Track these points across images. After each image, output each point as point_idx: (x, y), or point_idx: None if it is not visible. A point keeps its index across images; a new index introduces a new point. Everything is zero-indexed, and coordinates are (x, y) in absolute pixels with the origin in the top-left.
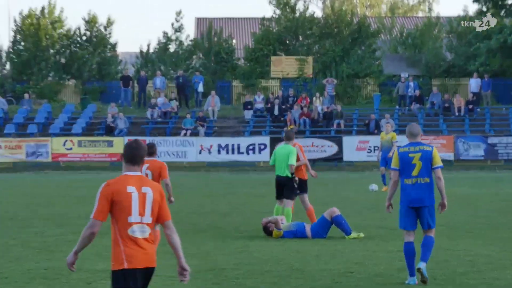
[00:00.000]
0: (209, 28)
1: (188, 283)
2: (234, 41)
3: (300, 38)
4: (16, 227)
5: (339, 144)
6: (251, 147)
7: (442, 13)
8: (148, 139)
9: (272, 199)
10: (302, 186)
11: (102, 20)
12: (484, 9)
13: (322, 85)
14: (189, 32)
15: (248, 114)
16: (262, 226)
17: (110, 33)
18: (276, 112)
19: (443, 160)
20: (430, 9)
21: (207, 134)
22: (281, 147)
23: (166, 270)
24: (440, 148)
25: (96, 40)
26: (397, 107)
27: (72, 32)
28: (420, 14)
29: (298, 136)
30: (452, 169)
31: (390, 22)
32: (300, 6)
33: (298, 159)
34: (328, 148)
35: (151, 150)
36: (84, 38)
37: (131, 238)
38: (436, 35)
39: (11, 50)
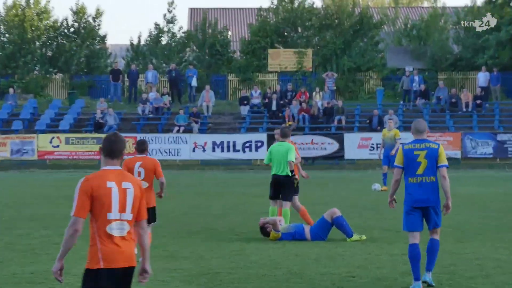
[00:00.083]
0: (203, 19)
1: None
2: (229, 33)
3: (299, 29)
4: None
5: (340, 141)
6: (247, 144)
7: (449, 3)
8: (139, 136)
9: None
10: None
11: (90, 10)
12: None
13: (322, 79)
14: (182, 24)
15: (244, 109)
16: (259, 226)
17: (99, 25)
18: (273, 107)
19: (449, 158)
20: None
21: (201, 131)
22: (277, 144)
23: (158, 274)
24: (446, 146)
25: (85, 32)
26: (401, 102)
27: (59, 24)
28: (426, 4)
29: (297, 133)
30: (459, 168)
31: (394, 12)
32: None
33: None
34: (328, 145)
35: (143, 146)
36: (71, 29)
37: (109, 236)
38: (442, 27)
39: None
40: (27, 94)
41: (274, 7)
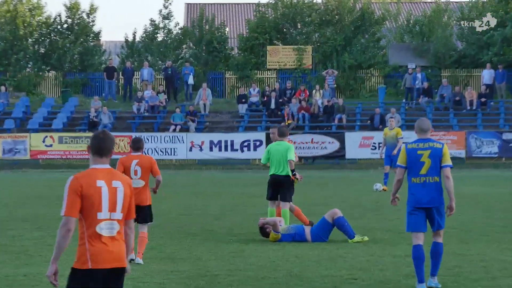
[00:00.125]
0: (200, 15)
1: None
2: (227, 29)
3: (299, 26)
4: None
5: (341, 140)
6: (245, 143)
7: None
8: (134, 135)
9: None
10: None
11: (84, 6)
12: None
13: (322, 77)
14: (179, 20)
15: (242, 108)
16: (258, 227)
17: (93, 21)
18: (272, 106)
19: (454, 158)
20: None
21: (198, 130)
22: (276, 143)
23: (155, 276)
24: (450, 145)
25: (78, 28)
26: (404, 100)
27: (52, 20)
28: None
29: (297, 131)
30: (464, 167)
31: (396, 8)
32: None
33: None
34: (329, 144)
35: (138, 144)
36: (65, 26)
37: (98, 235)
38: (446, 23)
39: None
40: (19, 92)
41: (273, 2)
